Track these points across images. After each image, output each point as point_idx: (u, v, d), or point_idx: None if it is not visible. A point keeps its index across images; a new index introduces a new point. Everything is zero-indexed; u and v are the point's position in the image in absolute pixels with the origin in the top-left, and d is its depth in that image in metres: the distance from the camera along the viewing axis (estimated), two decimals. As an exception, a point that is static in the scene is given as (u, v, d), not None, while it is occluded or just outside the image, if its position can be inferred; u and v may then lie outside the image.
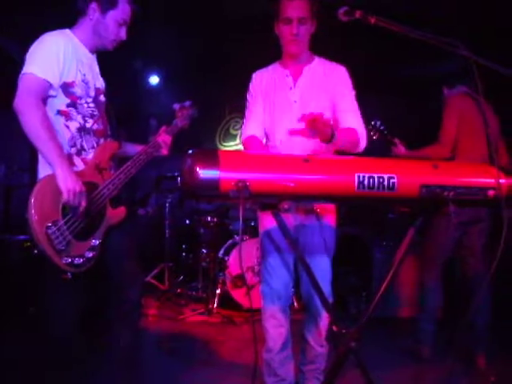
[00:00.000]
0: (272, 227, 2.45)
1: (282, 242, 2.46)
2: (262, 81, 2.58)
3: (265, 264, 2.56)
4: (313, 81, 2.51)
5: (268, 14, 2.52)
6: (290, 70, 2.54)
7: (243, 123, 2.64)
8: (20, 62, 2.12)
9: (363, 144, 2.46)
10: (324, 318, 2.52)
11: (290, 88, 2.52)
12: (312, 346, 2.59)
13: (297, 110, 2.46)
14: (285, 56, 2.56)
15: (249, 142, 2.54)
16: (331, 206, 2.55)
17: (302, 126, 2.27)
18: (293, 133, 2.44)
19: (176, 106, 2.78)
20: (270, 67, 2.63)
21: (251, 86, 2.62)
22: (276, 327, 2.53)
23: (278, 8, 2.43)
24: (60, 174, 2.02)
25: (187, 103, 2.81)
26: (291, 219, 2.48)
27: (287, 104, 2.50)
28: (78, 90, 2.21)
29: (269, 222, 2.48)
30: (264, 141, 2.61)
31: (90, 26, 2.27)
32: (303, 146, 2.41)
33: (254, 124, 2.57)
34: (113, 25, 2.27)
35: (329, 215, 2.54)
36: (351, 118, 2.47)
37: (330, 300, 2.53)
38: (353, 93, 2.54)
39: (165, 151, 2.57)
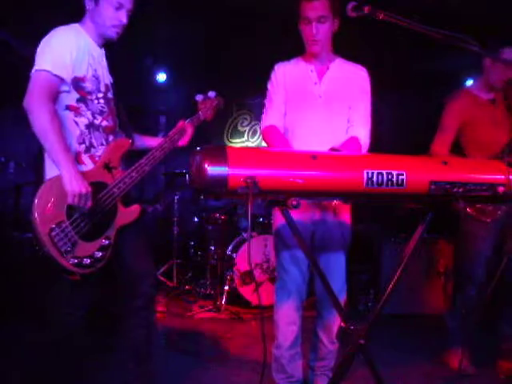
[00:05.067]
0: (284, 223, 2.45)
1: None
2: (285, 73, 2.58)
3: (279, 260, 2.57)
4: (337, 78, 2.54)
5: (278, 11, 2.52)
6: (314, 66, 2.56)
7: (263, 112, 2.64)
8: (26, 58, 2.11)
9: (363, 151, 2.51)
10: (337, 316, 2.51)
11: (315, 83, 2.53)
12: (324, 343, 2.60)
13: (321, 105, 2.50)
14: (307, 53, 2.57)
15: (269, 131, 2.55)
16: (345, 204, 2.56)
17: (323, 123, 2.46)
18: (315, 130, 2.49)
19: (199, 98, 2.67)
20: (293, 61, 2.63)
21: (273, 76, 2.61)
22: (288, 324, 2.53)
23: (298, 8, 2.44)
24: (66, 175, 2.01)
25: (211, 94, 2.71)
26: (310, 214, 2.49)
27: (312, 99, 2.52)
28: (88, 85, 2.19)
29: (282, 219, 2.46)
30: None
31: (90, 19, 2.24)
32: (322, 142, 2.42)
33: (274, 113, 2.57)
34: (108, 10, 2.20)
35: (345, 211, 2.56)
36: (359, 127, 2.51)
37: (343, 295, 2.56)
38: (368, 98, 2.58)
39: (184, 141, 2.49)
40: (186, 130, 2.51)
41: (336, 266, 2.54)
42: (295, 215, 2.41)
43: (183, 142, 2.50)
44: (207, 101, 2.68)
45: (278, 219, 2.58)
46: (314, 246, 2.52)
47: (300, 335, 2.57)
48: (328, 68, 2.55)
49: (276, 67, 2.63)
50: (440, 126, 3.13)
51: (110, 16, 2.22)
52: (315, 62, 2.56)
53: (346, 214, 2.56)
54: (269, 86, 2.63)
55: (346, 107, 2.53)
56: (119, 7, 2.23)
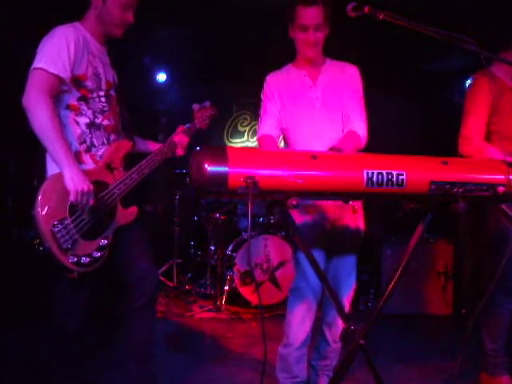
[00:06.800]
0: (301, 223, 2.46)
1: (312, 238, 2.46)
2: (278, 82, 2.60)
3: (296, 260, 2.57)
4: (330, 80, 2.57)
5: (275, 11, 2.51)
6: (306, 71, 2.57)
7: (258, 122, 2.66)
8: (28, 58, 2.11)
9: (363, 144, 2.52)
10: None
11: (310, 87, 2.55)
12: (328, 341, 2.61)
13: (319, 107, 2.53)
14: (300, 59, 2.60)
15: (264, 139, 2.56)
16: (360, 204, 2.57)
17: (324, 124, 2.49)
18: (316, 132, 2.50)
19: (195, 107, 2.73)
20: (284, 69, 2.65)
21: (266, 86, 2.63)
22: (301, 324, 2.53)
23: (293, 14, 2.45)
24: (67, 173, 2.00)
25: (207, 103, 2.77)
26: (328, 214, 2.50)
27: (309, 102, 2.54)
28: (89, 84, 2.20)
29: (298, 218, 2.46)
30: (280, 139, 2.64)
31: (95, 16, 2.25)
32: (324, 143, 2.43)
33: (269, 122, 2.58)
34: (116, 9, 2.22)
35: (359, 213, 2.58)
36: (356, 121, 2.53)
37: (351, 293, 2.58)
38: (361, 93, 2.61)
39: (180, 151, 2.54)
40: (182, 139, 2.55)
41: (348, 266, 2.56)
42: (312, 215, 2.48)
43: (180, 151, 2.55)
44: (203, 110, 2.76)
45: (297, 220, 2.57)
46: (329, 245, 2.52)
47: (310, 336, 2.57)
48: (320, 71, 2.58)
49: (268, 77, 2.64)
50: (468, 111, 2.76)
51: (118, 15, 2.24)
52: (307, 67, 2.58)
53: (360, 216, 2.58)
54: (262, 97, 2.65)
55: (342, 106, 2.55)
56: (128, 7, 2.25)
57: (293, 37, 2.53)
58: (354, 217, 2.53)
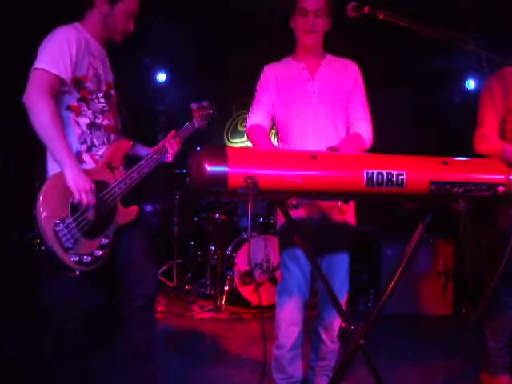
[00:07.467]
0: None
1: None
2: (275, 74, 2.58)
3: (283, 260, 2.56)
4: (329, 74, 2.54)
5: (276, 11, 2.52)
6: (305, 64, 2.55)
7: (250, 112, 2.63)
8: (28, 58, 2.11)
9: (368, 146, 2.51)
10: (338, 315, 2.51)
11: (308, 80, 2.53)
12: (325, 342, 2.59)
13: (316, 101, 2.50)
14: (299, 50, 2.58)
15: (253, 130, 2.52)
16: (350, 203, 2.56)
17: (319, 119, 2.46)
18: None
19: (194, 106, 2.73)
20: (283, 61, 2.63)
21: (263, 77, 2.61)
22: (290, 326, 2.52)
23: (294, 0, 2.46)
24: (69, 173, 2.01)
25: (205, 103, 2.77)
26: (317, 213, 2.48)
27: (306, 96, 2.51)
28: (89, 85, 2.20)
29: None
30: (272, 131, 2.63)
31: (98, 19, 2.25)
32: (319, 139, 2.44)
33: (260, 113, 2.56)
34: (121, 17, 2.25)
35: (350, 211, 2.56)
36: (359, 122, 2.53)
37: (344, 294, 2.56)
38: (363, 91, 2.59)
39: (169, 158, 2.52)
40: (170, 146, 2.52)
41: (340, 266, 2.54)
42: (302, 214, 2.46)
43: (169, 158, 2.52)
44: (201, 109, 2.76)
45: (281, 218, 2.57)
46: (319, 244, 2.50)
47: (301, 336, 2.56)
48: (319, 65, 2.56)
49: (266, 68, 2.62)
50: (482, 112, 2.74)
51: (122, 23, 2.27)
52: (306, 59, 2.56)
53: (351, 214, 2.57)
54: (257, 87, 2.63)
55: (341, 102, 2.53)
56: (131, 15, 2.29)
57: (293, 26, 2.52)
58: (342, 217, 2.52)
